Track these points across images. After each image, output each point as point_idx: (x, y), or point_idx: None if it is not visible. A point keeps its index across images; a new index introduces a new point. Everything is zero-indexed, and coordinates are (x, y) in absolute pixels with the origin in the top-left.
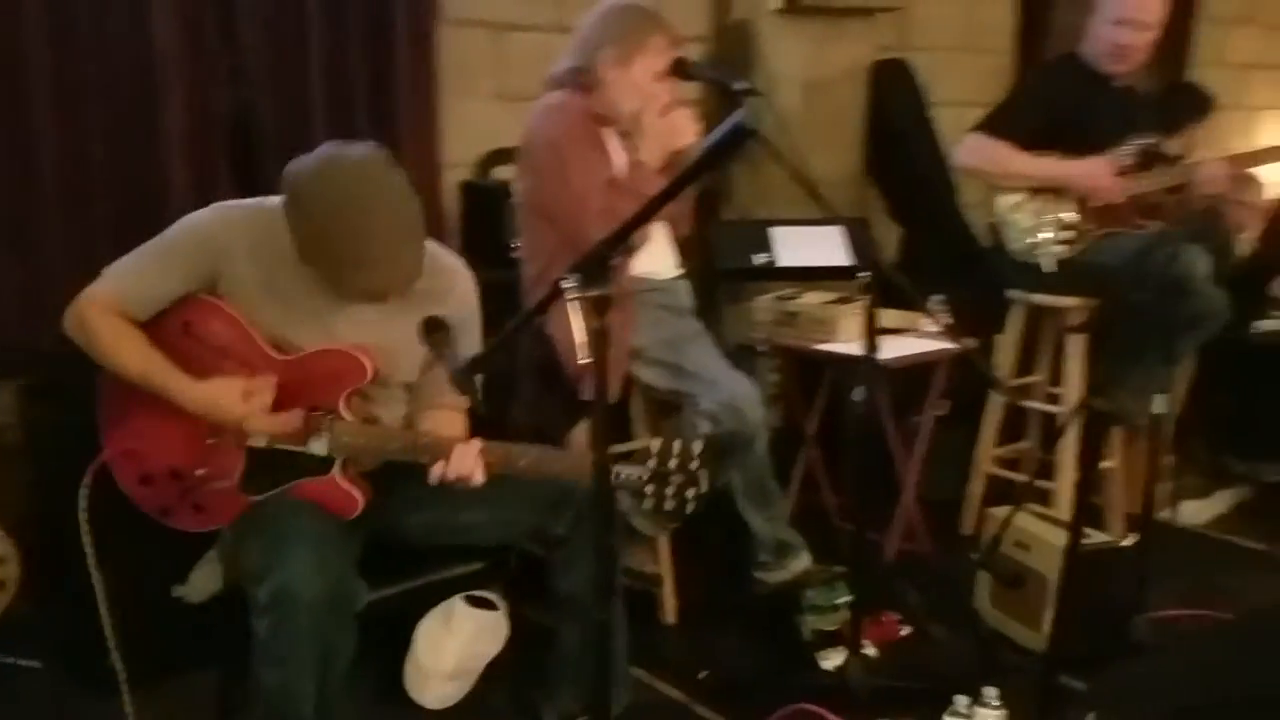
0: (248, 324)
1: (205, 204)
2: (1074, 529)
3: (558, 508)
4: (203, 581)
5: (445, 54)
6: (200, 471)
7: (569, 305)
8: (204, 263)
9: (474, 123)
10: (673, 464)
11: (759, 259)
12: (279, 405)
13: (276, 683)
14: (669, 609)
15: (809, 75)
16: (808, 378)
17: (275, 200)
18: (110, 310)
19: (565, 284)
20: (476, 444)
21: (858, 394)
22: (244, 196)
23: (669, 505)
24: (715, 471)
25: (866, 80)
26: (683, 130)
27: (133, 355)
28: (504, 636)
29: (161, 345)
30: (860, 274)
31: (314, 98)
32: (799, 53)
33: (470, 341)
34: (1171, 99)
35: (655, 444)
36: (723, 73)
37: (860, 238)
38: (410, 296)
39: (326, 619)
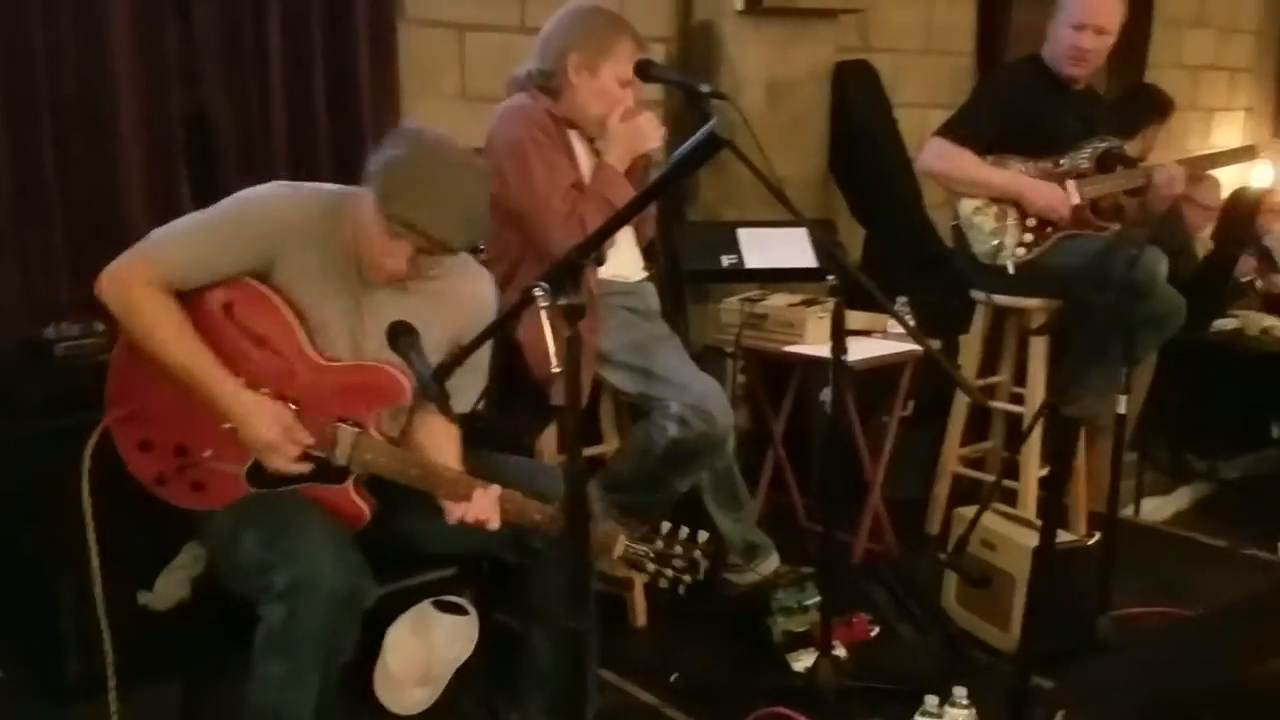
0: (293, 318)
1: (163, 208)
2: (1047, 529)
3: None
4: (170, 589)
5: (407, 54)
6: (208, 453)
7: (541, 313)
8: (267, 242)
9: (436, 123)
10: (678, 549)
11: (727, 261)
12: (307, 409)
13: (281, 675)
14: (639, 612)
15: (772, 76)
16: (774, 379)
17: (333, 188)
18: (156, 282)
19: (537, 292)
20: (495, 490)
21: (825, 395)
22: (205, 202)
23: (663, 584)
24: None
25: (830, 81)
26: (648, 134)
27: (179, 345)
28: (473, 641)
29: (197, 323)
30: (828, 276)
31: (274, 100)
32: (762, 54)
33: (484, 353)
34: (1131, 101)
35: (665, 526)
36: (688, 75)
37: (826, 240)
38: (439, 304)
39: (342, 612)
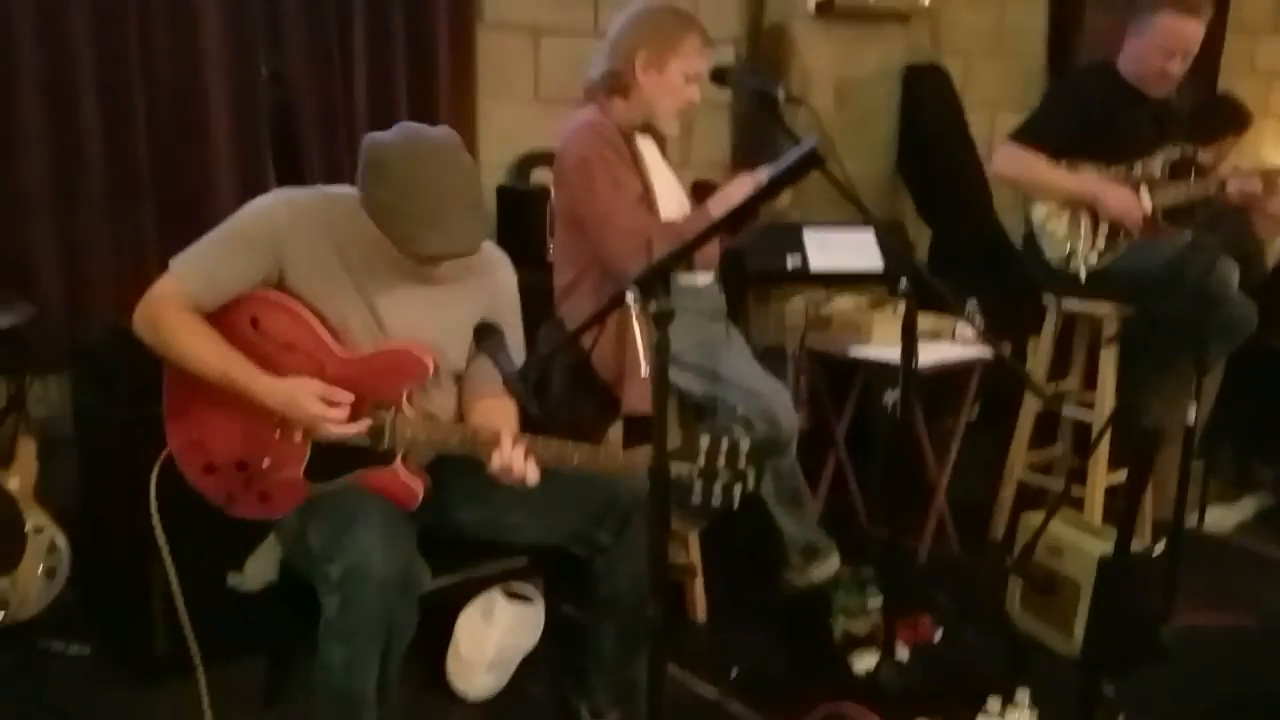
0: (313, 319)
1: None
2: (1122, 539)
3: (605, 515)
4: (258, 571)
5: (483, 56)
6: (266, 462)
7: (632, 317)
8: (271, 249)
9: (509, 125)
10: (721, 461)
11: (791, 262)
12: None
13: (342, 659)
14: (699, 607)
15: (841, 77)
16: (836, 380)
17: (338, 189)
18: (182, 306)
19: (629, 297)
20: (520, 444)
21: (889, 398)
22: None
23: (716, 502)
24: (759, 473)
25: (900, 82)
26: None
27: (212, 354)
28: (539, 630)
29: (231, 341)
30: (901, 279)
31: (357, 101)
32: (833, 55)
33: (514, 331)
34: (1209, 111)
35: (704, 440)
36: (762, 79)
37: (895, 242)
38: (457, 287)
39: (394, 597)
